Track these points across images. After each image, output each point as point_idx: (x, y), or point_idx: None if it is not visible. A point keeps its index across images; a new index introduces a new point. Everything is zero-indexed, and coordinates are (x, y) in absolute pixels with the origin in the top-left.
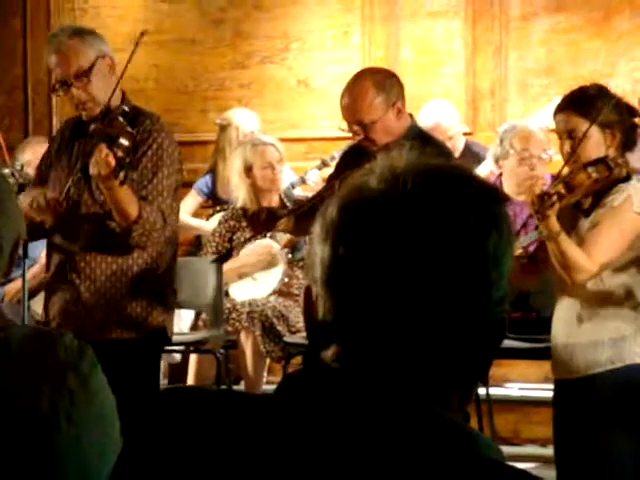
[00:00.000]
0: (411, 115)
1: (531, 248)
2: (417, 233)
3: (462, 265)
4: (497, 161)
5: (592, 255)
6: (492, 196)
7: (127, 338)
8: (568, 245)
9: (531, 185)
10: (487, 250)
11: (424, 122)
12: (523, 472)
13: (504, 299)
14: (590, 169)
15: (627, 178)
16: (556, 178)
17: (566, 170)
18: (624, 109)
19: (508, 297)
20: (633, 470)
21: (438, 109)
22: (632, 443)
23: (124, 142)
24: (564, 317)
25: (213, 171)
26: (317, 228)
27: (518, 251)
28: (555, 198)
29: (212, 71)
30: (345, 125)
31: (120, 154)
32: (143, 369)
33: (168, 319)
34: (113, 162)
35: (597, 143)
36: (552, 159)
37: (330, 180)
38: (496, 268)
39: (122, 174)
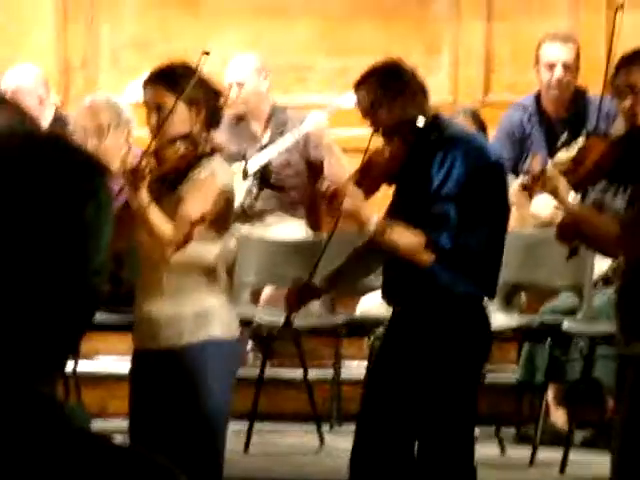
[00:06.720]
0: None
1: None
2: (13, 200)
3: (58, 234)
4: None
5: (180, 227)
6: (92, 166)
7: None
8: (157, 217)
9: (121, 158)
10: (84, 220)
11: (7, 85)
12: (108, 438)
13: (102, 271)
14: (178, 144)
15: (211, 154)
16: (146, 151)
17: (154, 144)
18: (209, 88)
19: (106, 268)
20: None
21: (21, 73)
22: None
23: None
24: (149, 288)
25: None
26: None
27: None
28: (147, 171)
29: None
30: None
31: None
32: None
33: None
34: None
35: (183, 119)
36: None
37: None
38: (94, 239)
39: None
